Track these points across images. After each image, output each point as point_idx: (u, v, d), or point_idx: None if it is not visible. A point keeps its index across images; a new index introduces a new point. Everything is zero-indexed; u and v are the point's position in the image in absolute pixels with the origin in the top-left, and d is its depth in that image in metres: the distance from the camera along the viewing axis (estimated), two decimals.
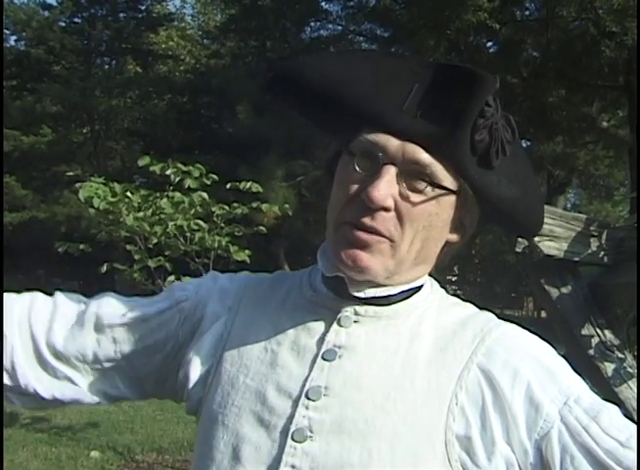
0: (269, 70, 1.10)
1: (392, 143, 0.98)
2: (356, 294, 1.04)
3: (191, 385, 1.13)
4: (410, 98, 0.98)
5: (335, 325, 1.06)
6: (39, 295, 1.21)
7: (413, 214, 0.99)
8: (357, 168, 1.00)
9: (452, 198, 1.02)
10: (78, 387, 1.18)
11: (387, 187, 0.96)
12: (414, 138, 0.97)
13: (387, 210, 0.98)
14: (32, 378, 1.15)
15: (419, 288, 1.10)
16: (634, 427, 0.99)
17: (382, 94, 1.00)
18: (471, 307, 1.13)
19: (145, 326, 1.18)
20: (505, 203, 1.05)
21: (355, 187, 1.00)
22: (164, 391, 1.21)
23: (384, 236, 0.99)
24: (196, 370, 1.13)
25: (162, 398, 1.24)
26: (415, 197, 0.98)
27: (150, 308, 1.20)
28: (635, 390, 2.06)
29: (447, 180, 0.99)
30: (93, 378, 1.18)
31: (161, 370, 1.18)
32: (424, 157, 0.97)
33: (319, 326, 1.07)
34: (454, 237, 1.08)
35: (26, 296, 1.20)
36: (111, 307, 1.19)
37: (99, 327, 1.17)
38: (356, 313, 1.06)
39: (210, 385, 1.10)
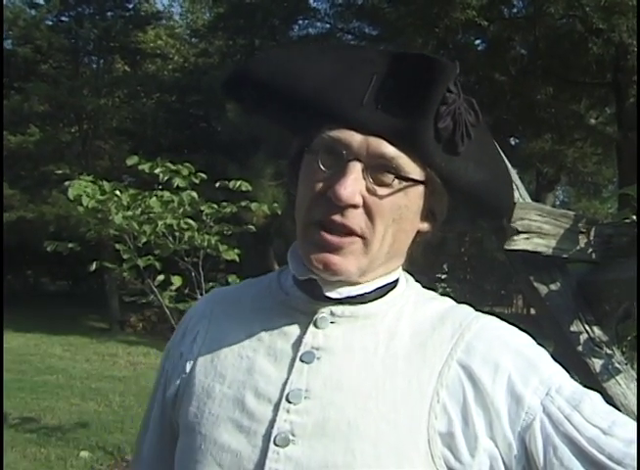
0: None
1: (356, 138, 0.96)
2: (331, 295, 1.03)
3: (169, 405, 1.14)
4: (370, 90, 0.97)
5: (311, 327, 1.05)
6: None
7: (382, 209, 0.98)
8: (322, 167, 0.98)
9: (420, 188, 1.01)
10: None
11: (353, 184, 0.95)
12: (377, 132, 0.96)
13: (355, 207, 0.96)
14: None
15: (394, 284, 1.09)
16: (617, 414, 0.99)
17: (341, 88, 0.98)
18: (448, 301, 1.12)
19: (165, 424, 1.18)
20: (474, 187, 1.04)
21: (321, 185, 0.98)
22: None
23: (355, 233, 0.98)
24: (171, 390, 1.13)
25: None
26: (382, 191, 0.97)
27: (156, 412, 1.20)
28: (624, 385, 2.06)
29: (414, 171, 0.98)
30: None
31: None
32: (389, 150, 0.96)
33: (294, 329, 1.06)
34: (425, 226, 1.07)
35: None
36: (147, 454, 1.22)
37: None
38: (332, 314, 1.05)
39: (182, 398, 1.10)
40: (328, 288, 1.04)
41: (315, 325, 1.05)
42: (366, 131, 0.96)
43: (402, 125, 0.95)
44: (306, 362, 1.02)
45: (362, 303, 1.06)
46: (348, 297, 1.04)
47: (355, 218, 0.97)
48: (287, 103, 1.03)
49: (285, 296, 1.11)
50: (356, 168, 0.96)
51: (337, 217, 0.97)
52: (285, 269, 1.16)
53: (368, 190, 0.97)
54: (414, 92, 0.95)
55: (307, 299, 1.08)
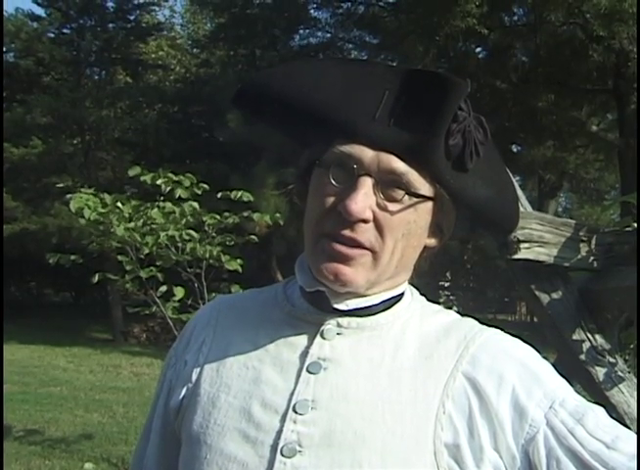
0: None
1: (367, 154, 0.97)
2: (338, 307, 1.03)
3: (171, 414, 1.13)
4: (382, 106, 0.97)
5: (318, 338, 1.05)
6: None
7: (392, 224, 0.98)
8: (332, 181, 0.98)
9: (429, 204, 1.01)
10: None
11: (364, 199, 0.95)
12: (388, 147, 0.96)
13: (365, 221, 0.97)
14: None
15: (400, 296, 1.10)
16: (620, 428, 0.99)
17: (353, 103, 0.99)
18: (453, 314, 1.12)
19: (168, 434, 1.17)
20: (481, 203, 1.04)
21: (331, 200, 0.99)
22: None
23: (365, 247, 0.98)
24: (174, 399, 1.12)
25: None
26: (393, 206, 0.98)
27: (157, 422, 1.19)
28: (627, 394, 2.06)
29: (424, 187, 0.99)
30: None
31: None
32: (399, 166, 0.97)
33: (301, 340, 1.06)
34: (432, 241, 1.08)
35: None
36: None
37: None
38: (339, 325, 1.05)
39: (187, 408, 1.09)
40: (335, 300, 1.04)
41: (322, 336, 1.05)
42: (377, 147, 0.97)
43: (414, 142, 0.96)
44: (313, 373, 1.02)
45: (368, 314, 1.06)
46: (355, 309, 1.05)
47: (365, 233, 0.98)
48: (298, 116, 1.03)
49: (291, 307, 1.11)
50: (367, 184, 0.96)
51: (347, 232, 0.97)
52: (291, 281, 1.16)
53: (378, 205, 0.97)
54: (427, 109, 0.95)
55: (314, 310, 1.08)
